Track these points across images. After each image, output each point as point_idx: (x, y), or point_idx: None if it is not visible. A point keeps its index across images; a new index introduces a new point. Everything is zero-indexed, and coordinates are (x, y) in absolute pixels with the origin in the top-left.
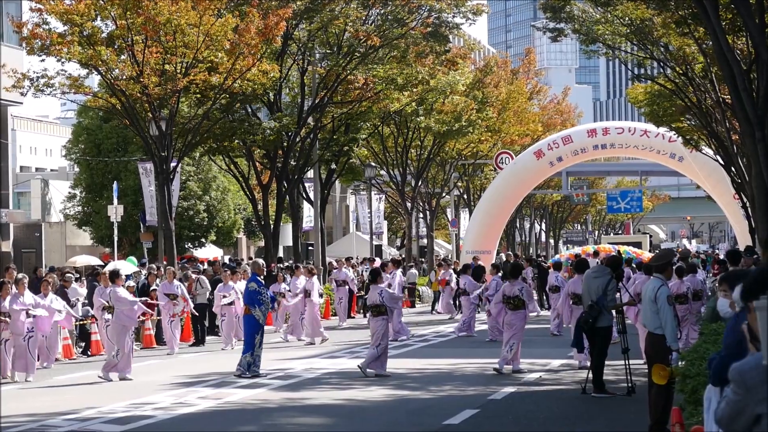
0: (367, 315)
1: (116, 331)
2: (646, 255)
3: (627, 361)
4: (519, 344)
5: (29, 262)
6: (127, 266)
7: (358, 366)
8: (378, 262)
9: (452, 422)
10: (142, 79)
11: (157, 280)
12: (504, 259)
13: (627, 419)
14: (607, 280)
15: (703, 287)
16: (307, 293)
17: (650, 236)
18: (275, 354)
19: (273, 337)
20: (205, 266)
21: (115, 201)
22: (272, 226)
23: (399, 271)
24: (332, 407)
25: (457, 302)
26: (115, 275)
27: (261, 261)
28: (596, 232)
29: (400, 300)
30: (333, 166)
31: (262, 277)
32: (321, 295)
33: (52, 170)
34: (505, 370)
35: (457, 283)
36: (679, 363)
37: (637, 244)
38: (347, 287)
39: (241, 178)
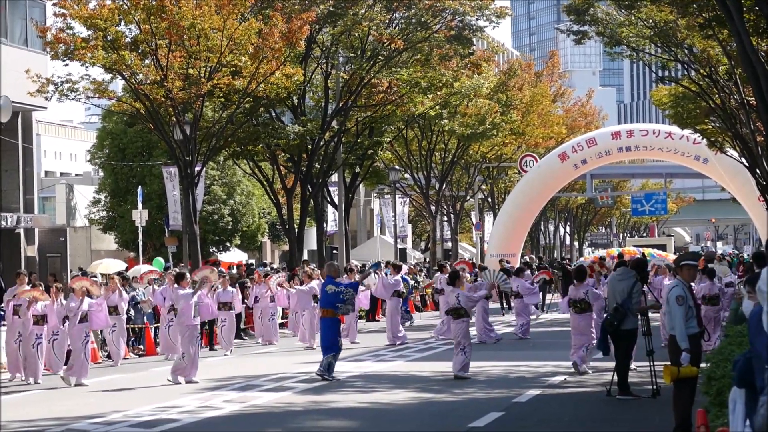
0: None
1: (180, 333)
2: (671, 257)
3: (652, 363)
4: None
5: (54, 266)
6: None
7: (455, 376)
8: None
9: (477, 425)
10: (166, 84)
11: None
12: (528, 261)
13: (652, 421)
14: (632, 283)
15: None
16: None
17: (674, 239)
18: (300, 357)
19: (294, 341)
20: (233, 270)
21: (140, 205)
22: (297, 230)
23: (399, 277)
24: (357, 410)
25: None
26: (180, 277)
27: (335, 263)
28: (621, 235)
29: (476, 302)
30: (357, 169)
31: (338, 278)
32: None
33: (76, 175)
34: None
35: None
36: (689, 362)
37: (662, 247)
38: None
39: (265, 182)
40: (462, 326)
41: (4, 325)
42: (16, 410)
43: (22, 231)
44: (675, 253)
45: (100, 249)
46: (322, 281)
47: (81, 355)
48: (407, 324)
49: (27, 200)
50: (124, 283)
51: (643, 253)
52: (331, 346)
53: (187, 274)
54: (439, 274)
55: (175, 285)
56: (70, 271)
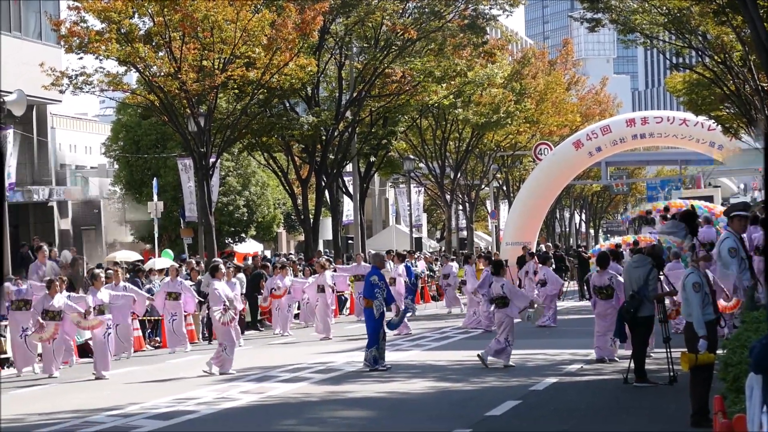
0: (492, 307)
1: (216, 324)
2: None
3: (668, 350)
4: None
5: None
6: (163, 261)
7: (478, 355)
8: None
9: (494, 413)
10: (180, 76)
11: (199, 276)
12: (544, 249)
13: (669, 408)
14: (648, 270)
15: None
16: (320, 288)
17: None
18: (316, 348)
19: (309, 332)
20: (249, 261)
21: (155, 197)
22: (312, 221)
23: (403, 266)
24: (374, 400)
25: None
26: (215, 269)
27: (383, 254)
28: (636, 222)
29: (525, 297)
30: (372, 159)
31: (383, 269)
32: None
33: (91, 167)
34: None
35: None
36: (706, 349)
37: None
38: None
39: (280, 173)
40: (507, 315)
41: (5, 318)
42: (34, 403)
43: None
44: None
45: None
46: (333, 271)
47: (104, 347)
48: (408, 314)
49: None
50: (140, 275)
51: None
52: (371, 340)
53: (222, 266)
54: (466, 266)
55: (211, 277)
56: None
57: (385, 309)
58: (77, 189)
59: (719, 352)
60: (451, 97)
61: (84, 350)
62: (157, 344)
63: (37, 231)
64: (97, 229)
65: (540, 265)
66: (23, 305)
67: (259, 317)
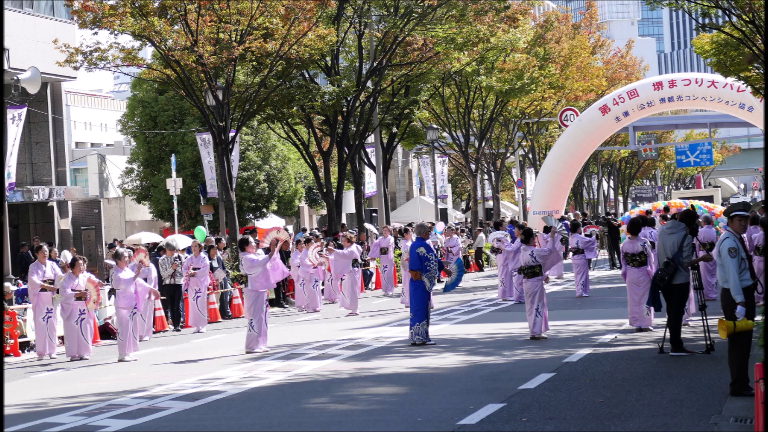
0: (520, 277)
1: (250, 299)
2: (718, 209)
3: (705, 318)
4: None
5: (89, 239)
6: (183, 239)
7: (532, 337)
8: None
9: (528, 387)
10: (196, 49)
11: (219, 253)
12: (572, 218)
13: (708, 377)
14: (682, 236)
15: None
16: (354, 262)
17: (720, 189)
18: (342, 324)
19: (334, 308)
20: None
21: (174, 174)
22: (334, 194)
23: (354, 247)
24: (405, 376)
25: None
26: (245, 242)
27: (426, 224)
28: (666, 188)
29: (556, 253)
30: (394, 129)
31: (430, 241)
32: (360, 264)
33: (107, 145)
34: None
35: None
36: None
37: (709, 198)
38: (390, 255)
39: (301, 146)
40: (537, 284)
41: (27, 302)
42: (59, 387)
43: (55, 204)
44: (722, 204)
45: (134, 220)
46: (361, 244)
47: (128, 330)
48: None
49: (59, 173)
50: (161, 253)
51: (692, 205)
52: (419, 314)
53: (251, 239)
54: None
55: (241, 251)
56: (105, 244)
57: (435, 281)
58: (77, 189)
59: (757, 318)
60: (474, 63)
61: (105, 332)
62: (181, 324)
63: (37, 231)
64: (97, 228)
65: (570, 233)
66: (49, 284)
67: (283, 294)
